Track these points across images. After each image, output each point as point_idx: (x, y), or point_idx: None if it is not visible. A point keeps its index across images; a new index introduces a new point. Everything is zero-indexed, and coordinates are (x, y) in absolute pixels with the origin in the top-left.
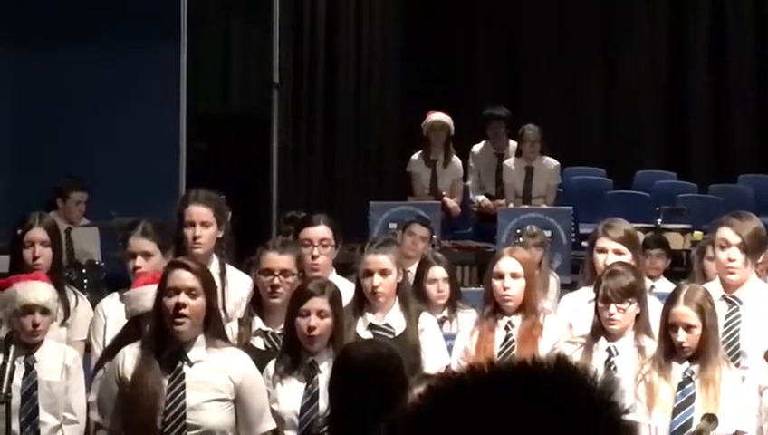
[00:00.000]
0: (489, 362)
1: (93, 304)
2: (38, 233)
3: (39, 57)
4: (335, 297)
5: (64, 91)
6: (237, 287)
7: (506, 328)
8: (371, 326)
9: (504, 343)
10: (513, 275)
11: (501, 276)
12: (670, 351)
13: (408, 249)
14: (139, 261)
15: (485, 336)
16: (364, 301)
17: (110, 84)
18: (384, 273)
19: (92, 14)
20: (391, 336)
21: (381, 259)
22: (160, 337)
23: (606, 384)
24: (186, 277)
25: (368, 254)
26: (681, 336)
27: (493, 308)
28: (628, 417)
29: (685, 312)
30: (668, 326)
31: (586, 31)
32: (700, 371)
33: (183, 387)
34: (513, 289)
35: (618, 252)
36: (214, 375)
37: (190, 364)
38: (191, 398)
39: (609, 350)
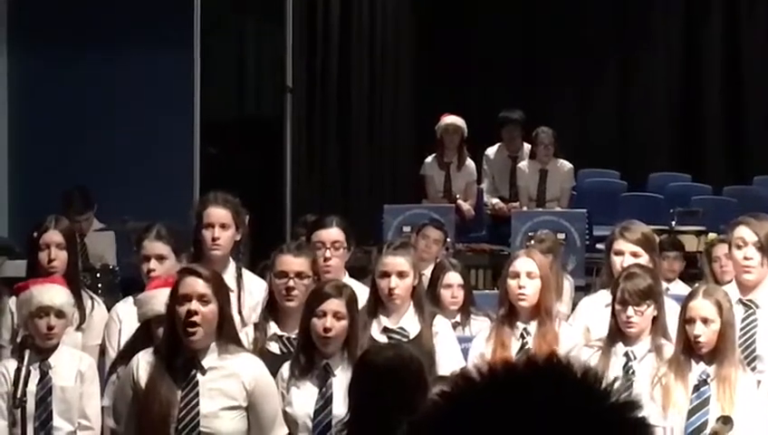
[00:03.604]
0: (503, 362)
1: (108, 309)
2: (54, 236)
3: (51, 63)
4: (352, 300)
5: (78, 96)
6: (253, 292)
7: (522, 336)
8: (385, 330)
9: (519, 351)
10: (529, 275)
11: (517, 275)
12: (688, 348)
13: (421, 252)
14: (153, 264)
15: (501, 344)
16: (379, 303)
17: (124, 89)
18: (401, 275)
19: (105, 20)
20: (405, 340)
21: (399, 261)
22: (173, 344)
23: (619, 386)
24: (197, 284)
25: (385, 255)
26: (698, 329)
27: (508, 310)
28: (642, 415)
29: (702, 305)
30: (686, 321)
31: (601, 33)
32: (717, 369)
33: (196, 395)
34: (529, 288)
35: (635, 254)
36: (227, 382)
37: (203, 372)
38: (204, 406)
39: (627, 354)
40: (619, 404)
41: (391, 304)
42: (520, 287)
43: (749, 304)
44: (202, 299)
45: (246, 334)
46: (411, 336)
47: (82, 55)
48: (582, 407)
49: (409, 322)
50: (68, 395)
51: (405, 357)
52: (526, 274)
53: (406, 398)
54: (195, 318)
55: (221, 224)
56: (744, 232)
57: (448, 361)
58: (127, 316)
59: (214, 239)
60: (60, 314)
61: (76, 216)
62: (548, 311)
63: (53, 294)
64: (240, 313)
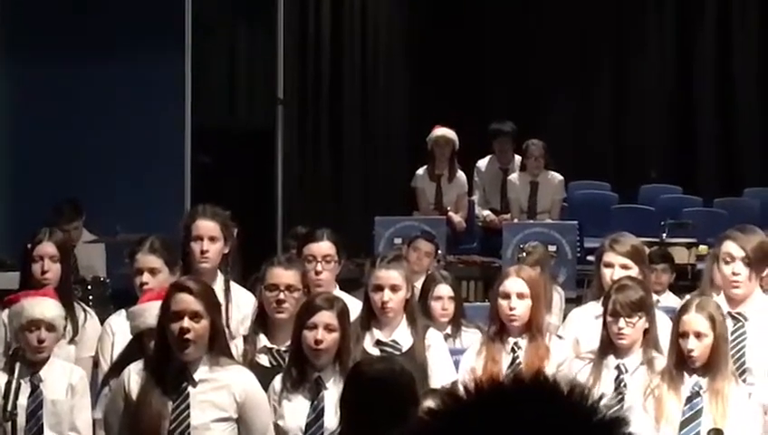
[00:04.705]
0: (491, 379)
1: (100, 321)
2: (47, 247)
3: (41, 70)
4: (343, 312)
5: (67, 105)
6: (240, 305)
7: (513, 350)
8: (378, 343)
9: (510, 365)
10: (520, 296)
11: (507, 296)
12: (680, 361)
13: (413, 264)
14: (146, 277)
15: (492, 358)
16: (372, 316)
17: (115, 98)
18: (394, 288)
19: (96, 28)
20: (398, 352)
21: (392, 275)
22: (164, 357)
23: (606, 402)
24: (189, 301)
25: (378, 269)
26: (691, 344)
27: (498, 328)
28: (629, 431)
29: (696, 319)
30: (679, 335)
31: (592, 45)
32: (709, 383)
33: (187, 407)
34: (519, 309)
35: (624, 266)
36: (217, 394)
37: (194, 384)
38: (195, 418)
39: (618, 367)
40: (606, 421)
41: (384, 318)
42: (510, 309)
43: (738, 317)
44: (194, 316)
45: (236, 347)
46: (404, 349)
47: (72, 64)
48: (569, 424)
49: (402, 335)
50: (59, 408)
51: (395, 370)
52: (516, 295)
53: (396, 411)
54: (188, 335)
55: (210, 237)
56: (730, 247)
57: (441, 374)
58: (120, 329)
59: (202, 252)
60: (50, 327)
61: (65, 224)
62: (538, 327)
63: (44, 307)
64: (227, 325)
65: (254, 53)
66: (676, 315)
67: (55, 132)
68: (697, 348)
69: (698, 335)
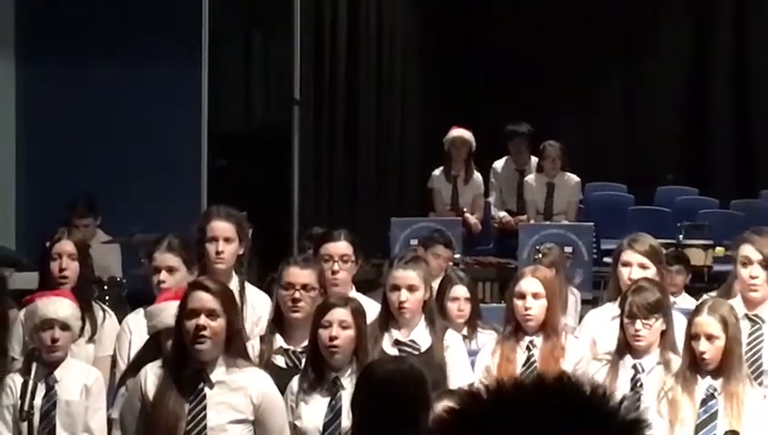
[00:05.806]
0: (512, 379)
1: (117, 321)
2: (66, 246)
3: (58, 75)
4: (358, 310)
5: (85, 108)
6: (255, 307)
7: (528, 348)
8: (397, 342)
9: (525, 363)
10: (535, 296)
11: (522, 296)
12: (693, 363)
13: (432, 269)
14: (164, 276)
15: (507, 356)
16: (390, 317)
17: (131, 101)
18: (412, 289)
19: (112, 31)
20: (417, 353)
21: (410, 275)
22: (181, 357)
23: (628, 403)
24: (206, 299)
25: (396, 269)
26: (702, 346)
27: (514, 327)
28: (650, 434)
29: (707, 321)
30: (692, 337)
31: (607, 47)
32: (724, 385)
33: (204, 408)
34: (535, 309)
35: (642, 266)
36: (234, 395)
37: (211, 386)
38: (212, 419)
39: (635, 367)
40: (627, 423)
41: (401, 318)
42: (526, 309)
43: (755, 319)
44: (211, 314)
45: (252, 347)
46: (422, 349)
47: (90, 68)
48: (590, 425)
49: (421, 335)
50: (73, 409)
51: (404, 371)
52: (532, 295)
53: (405, 412)
54: (203, 333)
55: (225, 238)
56: (748, 250)
57: (459, 375)
58: (137, 328)
59: (218, 253)
60: (64, 326)
61: (76, 220)
62: (554, 327)
63: (58, 306)
64: (242, 326)
65: (270, 54)
66: (689, 317)
67: (73, 134)
68: (709, 350)
69: (710, 338)
